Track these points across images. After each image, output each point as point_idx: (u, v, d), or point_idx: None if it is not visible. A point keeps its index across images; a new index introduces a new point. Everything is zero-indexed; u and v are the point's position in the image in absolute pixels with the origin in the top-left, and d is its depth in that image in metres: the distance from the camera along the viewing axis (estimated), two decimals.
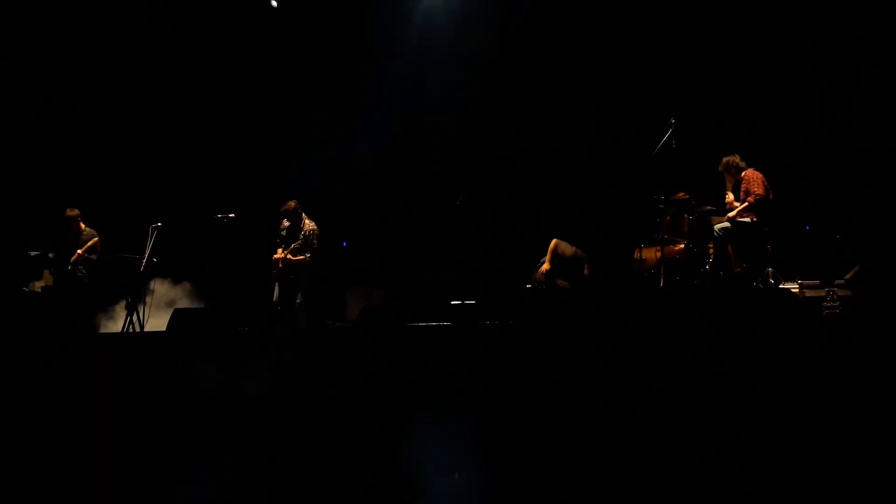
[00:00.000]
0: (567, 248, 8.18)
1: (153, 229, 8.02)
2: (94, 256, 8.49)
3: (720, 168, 7.42)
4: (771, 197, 7.20)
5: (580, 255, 8.18)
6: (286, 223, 8.60)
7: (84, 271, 8.48)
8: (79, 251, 8.43)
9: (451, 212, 8.47)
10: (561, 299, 7.34)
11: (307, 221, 8.56)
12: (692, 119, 7.70)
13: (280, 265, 8.38)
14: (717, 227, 7.24)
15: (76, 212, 8.67)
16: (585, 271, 8.02)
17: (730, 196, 7.37)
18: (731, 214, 7.25)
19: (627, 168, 8.48)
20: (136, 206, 9.13)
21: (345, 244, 10.54)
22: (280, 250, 8.43)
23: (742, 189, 7.29)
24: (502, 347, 4.48)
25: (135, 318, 7.75)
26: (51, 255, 8.69)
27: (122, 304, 8.20)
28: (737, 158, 7.36)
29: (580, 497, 4.07)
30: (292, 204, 8.58)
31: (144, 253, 7.96)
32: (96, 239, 8.58)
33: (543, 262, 8.21)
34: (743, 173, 7.29)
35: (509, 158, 10.00)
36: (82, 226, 8.67)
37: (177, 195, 9.57)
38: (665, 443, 4.05)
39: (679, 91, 9.01)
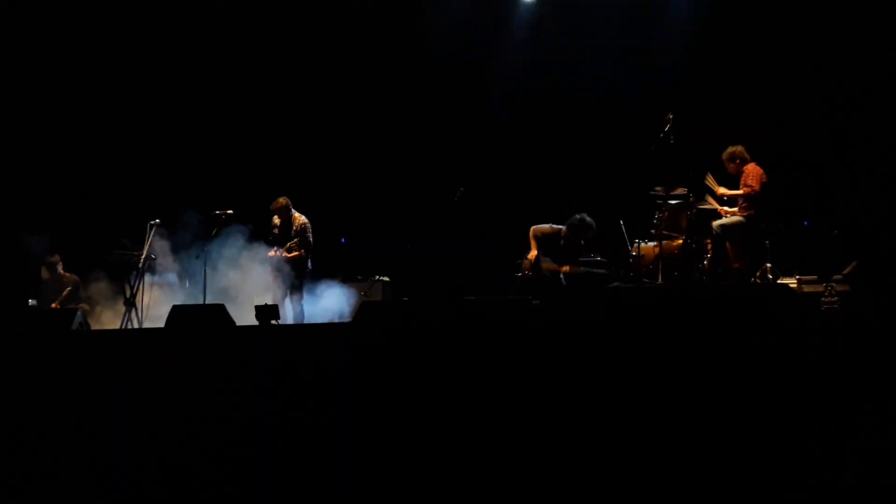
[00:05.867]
0: (544, 228, 8.37)
1: (151, 226, 8.00)
2: (72, 305, 8.54)
3: (723, 156, 7.45)
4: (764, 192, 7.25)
5: (556, 230, 8.31)
6: (277, 220, 8.58)
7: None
8: (53, 304, 8.52)
9: (451, 205, 8.50)
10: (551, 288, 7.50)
11: (297, 216, 8.55)
12: (690, 114, 7.71)
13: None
14: (716, 224, 7.26)
15: (57, 257, 8.73)
16: (562, 240, 8.13)
17: (721, 189, 7.45)
18: (726, 192, 7.31)
19: (625, 163, 8.48)
20: (135, 202, 9.11)
21: (343, 241, 10.55)
22: (273, 251, 8.41)
23: (742, 182, 7.33)
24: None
25: (133, 314, 7.74)
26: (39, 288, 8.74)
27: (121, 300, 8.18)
28: (742, 150, 7.40)
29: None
30: (282, 200, 8.55)
31: (143, 249, 7.94)
32: (70, 288, 8.67)
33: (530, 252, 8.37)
34: (745, 167, 7.34)
35: (508, 153, 10.00)
36: (62, 272, 8.71)
37: (176, 192, 9.55)
38: (663, 441, 4.06)
39: (677, 86, 9.02)
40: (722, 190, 7.45)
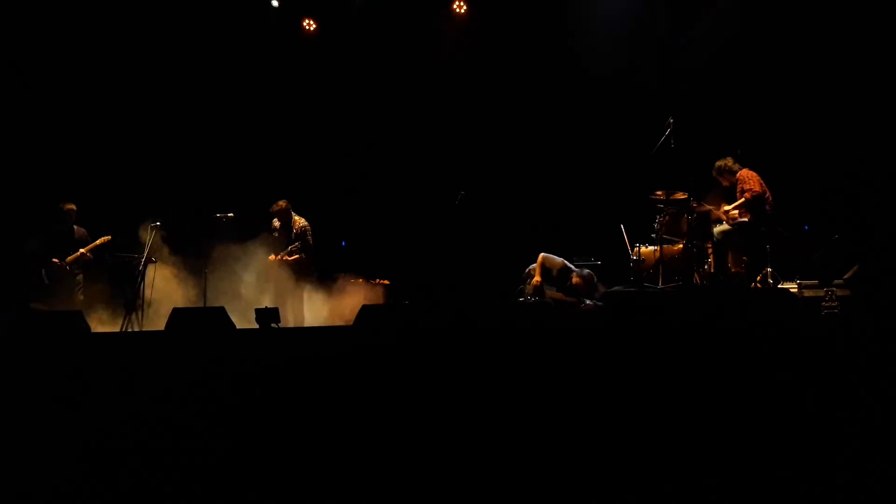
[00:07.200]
0: (555, 262, 8.09)
1: (152, 228, 8.01)
2: (90, 256, 8.46)
3: (713, 172, 7.48)
4: (768, 195, 7.22)
5: (568, 267, 8.13)
6: (277, 223, 8.59)
7: (78, 270, 8.45)
8: (82, 250, 8.37)
9: (451, 209, 8.50)
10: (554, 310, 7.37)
11: (297, 219, 8.56)
12: (691, 118, 7.71)
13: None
14: (717, 230, 7.26)
15: (73, 206, 8.59)
16: (574, 280, 7.92)
17: (726, 206, 7.41)
18: (728, 208, 7.27)
19: (626, 167, 8.50)
20: (134, 205, 9.11)
21: (343, 244, 10.56)
22: (273, 254, 8.42)
23: (738, 189, 7.31)
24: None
25: (133, 317, 7.73)
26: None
27: (121, 303, 8.18)
28: (729, 161, 7.39)
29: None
30: (282, 203, 8.56)
31: (143, 252, 7.94)
32: (94, 243, 8.50)
33: (533, 275, 8.21)
34: (737, 174, 7.32)
35: (508, 158, 10.01)
36: (75, 225, 8.59)
37: (176, 194, 9.56)
38: (662, 443, 4.06)
39: (678, 90, 9.03)
40: (726, 207, 7.38)
